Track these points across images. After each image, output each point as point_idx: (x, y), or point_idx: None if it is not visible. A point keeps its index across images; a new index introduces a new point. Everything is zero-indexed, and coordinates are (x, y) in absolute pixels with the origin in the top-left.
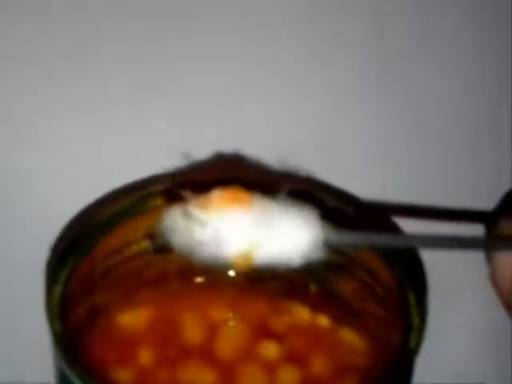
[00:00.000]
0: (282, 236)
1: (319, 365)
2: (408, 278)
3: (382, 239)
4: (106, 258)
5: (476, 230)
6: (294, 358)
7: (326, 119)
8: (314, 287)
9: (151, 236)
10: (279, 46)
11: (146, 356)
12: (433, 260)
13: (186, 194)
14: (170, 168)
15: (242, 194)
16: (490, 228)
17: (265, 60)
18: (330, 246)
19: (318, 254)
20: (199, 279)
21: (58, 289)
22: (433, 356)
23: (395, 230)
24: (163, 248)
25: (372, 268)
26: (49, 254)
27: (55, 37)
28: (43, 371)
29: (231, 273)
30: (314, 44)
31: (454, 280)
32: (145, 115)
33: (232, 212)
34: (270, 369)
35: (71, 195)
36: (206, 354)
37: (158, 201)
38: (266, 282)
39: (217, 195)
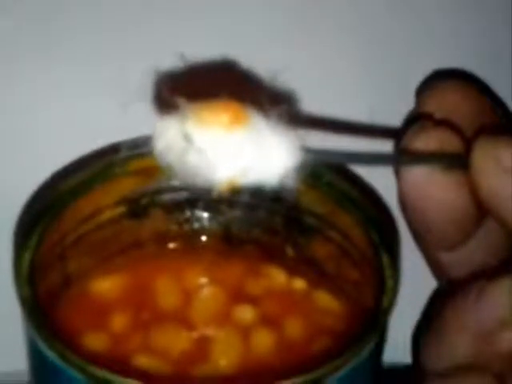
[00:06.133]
0: (268, 156)
1: (294, 327)
2: (382, 240)
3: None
4: (77, 225)
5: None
6: (269, 321)
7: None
8: (290, 251)
9: (125, 201)
10: None
11: (119, 322)
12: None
13: (180, 101)
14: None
15: (239, 111)
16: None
17: None
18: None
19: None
20: (173, 245)
21: (27, 255)
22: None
23: None
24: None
25: (347, 231)
26: (18, 221)
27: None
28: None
29: (204, 238)
30: None
31: None
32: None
33: (227, 131)
34: (246, 332)
35: (43, 160)
36: (180, 319)
37: (131, 166)
38: (241, 246)
39: (212, 109)
